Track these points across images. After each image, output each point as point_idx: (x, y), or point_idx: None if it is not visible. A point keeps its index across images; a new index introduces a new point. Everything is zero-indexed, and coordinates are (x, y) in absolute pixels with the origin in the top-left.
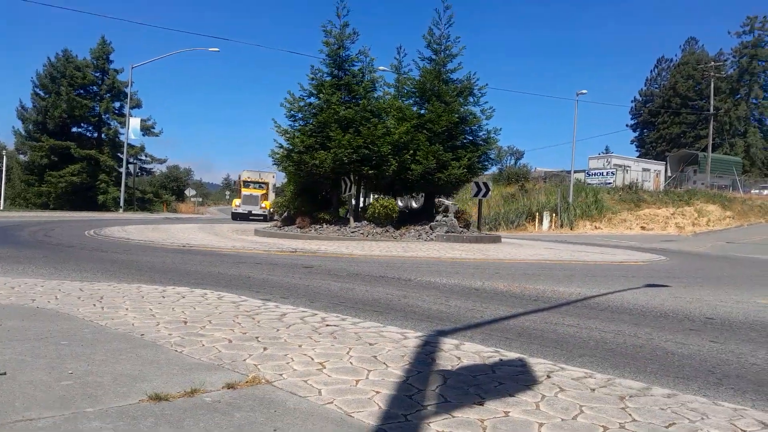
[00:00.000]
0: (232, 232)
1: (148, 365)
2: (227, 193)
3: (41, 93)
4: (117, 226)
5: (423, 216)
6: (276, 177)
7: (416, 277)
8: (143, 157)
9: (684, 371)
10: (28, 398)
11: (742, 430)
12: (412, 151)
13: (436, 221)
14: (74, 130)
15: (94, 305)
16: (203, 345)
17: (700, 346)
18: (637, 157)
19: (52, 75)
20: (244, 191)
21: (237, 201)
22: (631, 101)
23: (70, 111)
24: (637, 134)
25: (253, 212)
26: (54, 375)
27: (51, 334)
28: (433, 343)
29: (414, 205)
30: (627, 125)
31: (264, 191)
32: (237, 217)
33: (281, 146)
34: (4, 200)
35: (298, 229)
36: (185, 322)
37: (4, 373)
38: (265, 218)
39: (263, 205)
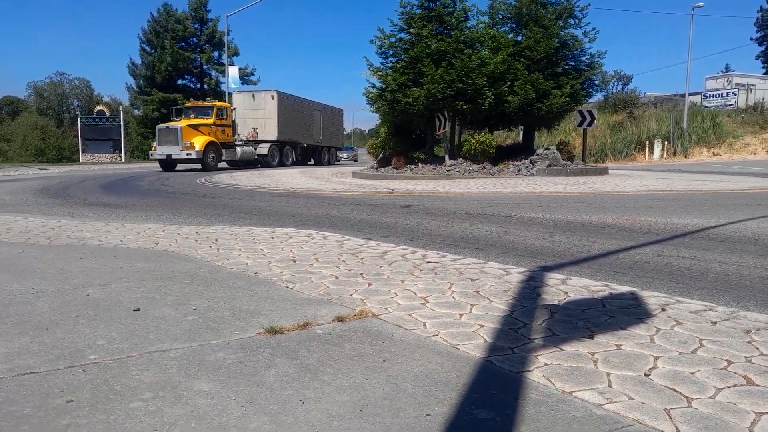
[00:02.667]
0: (332, 175)
1: (263, 301)
2: None
3: (147, 48)
4: (225, 173)
5: (522, 150)
6: (254, 99)
7: (516, 213)
8: None
9: None
10: (160, 331)
11: None
12: (509, 82)
13: (537, 155)
14: (179, 82)
15: (210, 247)
16: (312, 281)
17: None
18: (764, 74)
19: (156, 30)
20: (160, 127)
21: (155, 143)
22: (757, 11)
23: (174, 64)
24: (763, 48)
25: (172, 156)
26: (180, 311)
27: (174, 274)
28: (537, 278)
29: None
30: (751, 39)
31: (207, 121)
32: (163, 165)
33: (374, 86)
34: (124, 153)
35: (394, 170)
36: (294, 261)
37: (138, 309)
38: (197, 162)
39: (190, 143)
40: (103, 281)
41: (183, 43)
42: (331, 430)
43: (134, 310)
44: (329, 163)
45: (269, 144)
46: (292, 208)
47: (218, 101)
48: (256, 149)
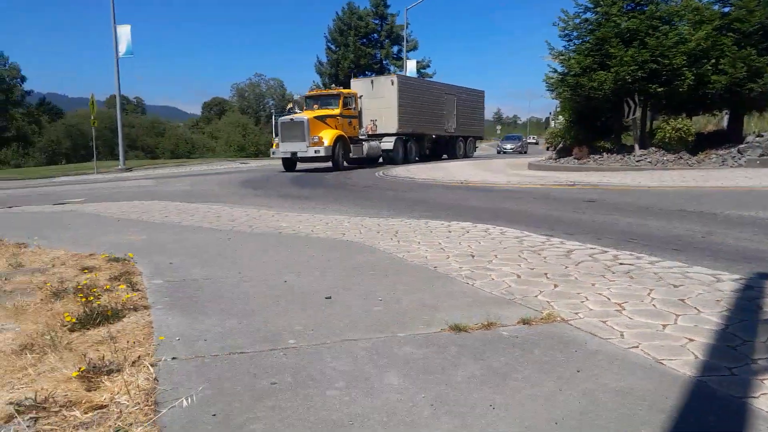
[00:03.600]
0: (506, 167)
1: (444, 296)
2: (498, 127)
3: (332, 47)
4: (401, 167)
5: (727, 138)
6: (373, 86)
7: (723, 210)
8: None
9: None
10: (350, 320)
11: None
12: (713, 60)
13: (747, 143)
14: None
15: (391, 239)
16: (492, 279)
17: None
18: None
19: (341, 28)
20: (283, 120)
21: (277, 139)
22: None
23: (356, 60)
24: None
25: (297, 153)
26: (367, 301)
27: (360, 265)
28: (756, 288)
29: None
30: None
31: (333, 112)
32: (286, 164)
33: (555, 71)
34: None
35: (575, 161)
36: (472, 256)
37: (330, 297)
38: (325, 160)
39: (318, 137)
40: (297, 269)
41: (364, 40)
42: None
43: (326, 298)
44: (466, 156)
45: (394, 137)
46: (467, 201)
47: (344, 88)
48: (380, 143)
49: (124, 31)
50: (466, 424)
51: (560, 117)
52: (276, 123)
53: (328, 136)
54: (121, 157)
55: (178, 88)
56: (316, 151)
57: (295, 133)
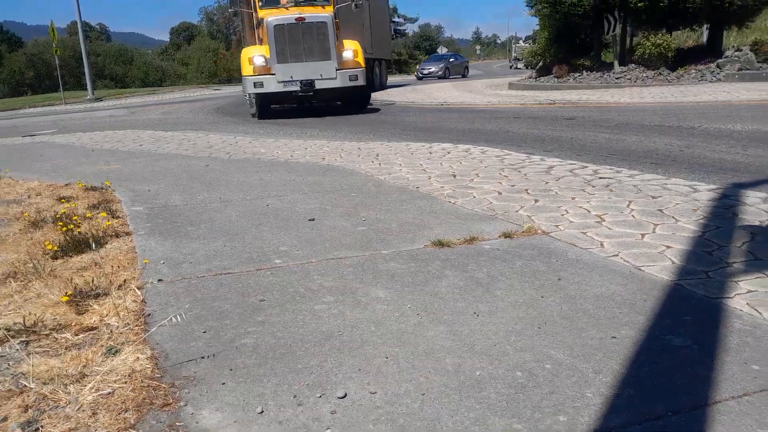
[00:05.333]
0: (486, 87)
1: (427, 215)
2: (477, 47)
3: None
4: (380, 90)
5: (706, 53)
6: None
7: (701, 124)
8: (397, 19)
9: None
10: (334, 240)
11: None
12: None
13: (725, 57)
14: None
15: (372, 162)
16: (474, 197)
17: None
18: None
19: None
20: (282, 22)
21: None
22: None
23: None
24: None
25: (316, 84)
26: (350, 221)
27: (342, 187)
28: (731, 196)
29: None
30: None
31: (328, 10)
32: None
33: None
34: None
35: (555, 79)
36: (454, 176)
37: (313, 219)
38: (359, 92)
39: (351, 53)
40: (279, 192)
41: None
42: (509, 344)
43: (310, 220)
44: (382, 87)
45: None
46: (447, 123)
47: None
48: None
49: None
50: (453, 331)
51: (523, 41)
52: (265, 28)
53: (358, 51)
54: (89, 87)
55: (143, 14)
56: (351, 78)
57: (309, 44)
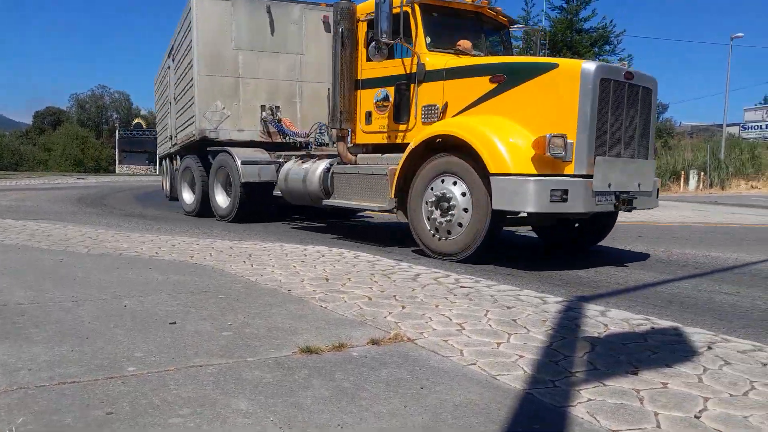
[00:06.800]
0: None
1: (297, 319)
2: None
3: None
4: None
5: None
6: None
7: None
8: None
9: None
10: (196, 346)
11: None
12: None
13: None
14: None
15: (244, 262)
16: (345, 301)
17: None
18: None
19: None
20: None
21: None
22: None
23: None
24: None
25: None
26: (216, 325)
27: (209, 288)
28: (575, 309)
29: None
30: None
31: None
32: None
33: None
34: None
35: None
36: (327, 279)
37: (175, 323)
38: None
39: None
40: (139, 292)
41: None
42: None
43: (170, 323)
44: None
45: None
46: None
47: None
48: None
49: None
50: None
51: None
52: (571, 82)
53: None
54: None
55: (3, 94)
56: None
57: (631, 125)
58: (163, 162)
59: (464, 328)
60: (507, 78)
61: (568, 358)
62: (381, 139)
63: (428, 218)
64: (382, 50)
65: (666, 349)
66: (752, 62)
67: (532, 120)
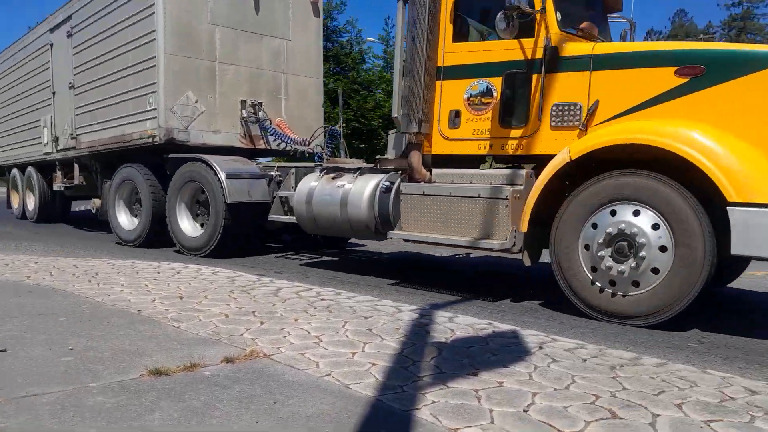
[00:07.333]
0: None
1: (147, 340)
2: None
3: None
4: None
5: None
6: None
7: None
8: None
9: (673, 340)
10: (31, 374)
11: (729, 396)
12: None
13: None
14: None
15: (90, 281)
16: (200, 320)
17: None
18: None
19: None
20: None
21: None
22: None
23: None
24: None
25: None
26: (55, 351)
27: (49, 311)
28: (427, 316)
29: None
30: None
31: None
32: None
33: None
34: None
35: None
36: (181, 298)
37: (5, 350)
38: None
39: None
40: None
41: None
42: None
43: (0, 351)
44: None
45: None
46: None
47: None
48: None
49: None
50: None
51: None
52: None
53: None
54: None
55: None
56: None
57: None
58: (12, 172)
59: (321, 341)
60: (707, 70)
61: (416, 364)
62: (475, 148)
63: (592, 266)
64: (514, 24)
65: (504, 351)
66: None
67: (761, 130)
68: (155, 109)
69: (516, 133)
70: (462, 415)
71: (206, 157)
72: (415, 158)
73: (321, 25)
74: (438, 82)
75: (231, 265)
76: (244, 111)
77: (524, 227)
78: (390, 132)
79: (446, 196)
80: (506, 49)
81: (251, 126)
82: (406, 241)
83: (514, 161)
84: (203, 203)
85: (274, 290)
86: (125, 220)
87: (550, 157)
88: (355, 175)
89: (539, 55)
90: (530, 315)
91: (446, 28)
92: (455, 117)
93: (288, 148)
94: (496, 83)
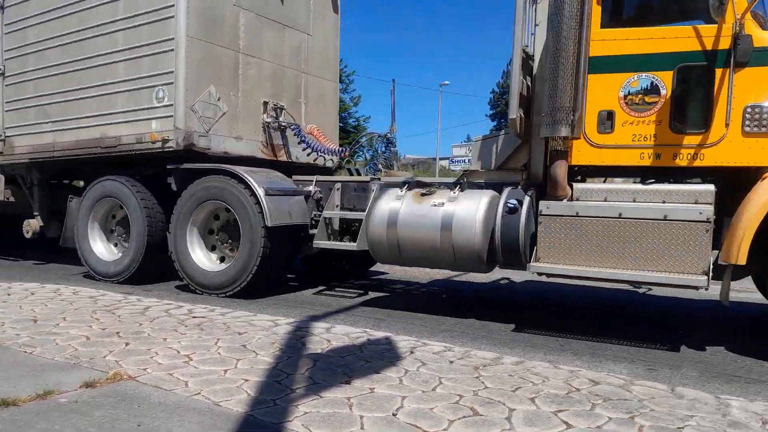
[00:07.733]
0: None
1: None
2: None
3: None
4: None
5: None
6: None
7: None
8: None
9: (534, 340)
10: None
11: (575, 388)
12: None
13: None
14: None
15: None
16: (57, 344)
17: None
18: None
19: None
20: None
21: None
22: (490, 92)
23: None
24: (495, 124)
25: None
26: None
27: None
28: (304, 328)
29: None
30: (486, 115)
31: None
32: None
33: None
34: None
35: None
36: (35, 321)
37: None
38: None
39: None
40: None
41: None
42: None
43: None
44: None
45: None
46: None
47: None
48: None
49: None
50: None
51: None
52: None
53: None
54: None
55: None
56: None
57: None
58: None
59: (192, 359)
60: None
61: (290, 376)
62: (636, 158)
63: None
64: (723, 4)
65: (377, 357)
66: (459, 106)
67: None
68: (169, 105)
69: (693, 140)
70: (333, 424)
71: (237, 169)
72: (561, 170)
73: (339, 23)
74: (582, 77)
75: (93, 284)
76: (266, 115)
77: (742, 258)
78: (475, 138)
79: (615, 218)
80: (678, 38)
81: (273, 133)
82: (549, 276)
83: (678, 174)
84: (222, 228)
85: (141, 309)
86: (102, 249)
87: (741, 169)
88: (455, 192)
89: (724, 45)
90: (404, 322)
91: (593, 11)
92: (607, 119)
93: (327, 160)
94: (665, 78)
